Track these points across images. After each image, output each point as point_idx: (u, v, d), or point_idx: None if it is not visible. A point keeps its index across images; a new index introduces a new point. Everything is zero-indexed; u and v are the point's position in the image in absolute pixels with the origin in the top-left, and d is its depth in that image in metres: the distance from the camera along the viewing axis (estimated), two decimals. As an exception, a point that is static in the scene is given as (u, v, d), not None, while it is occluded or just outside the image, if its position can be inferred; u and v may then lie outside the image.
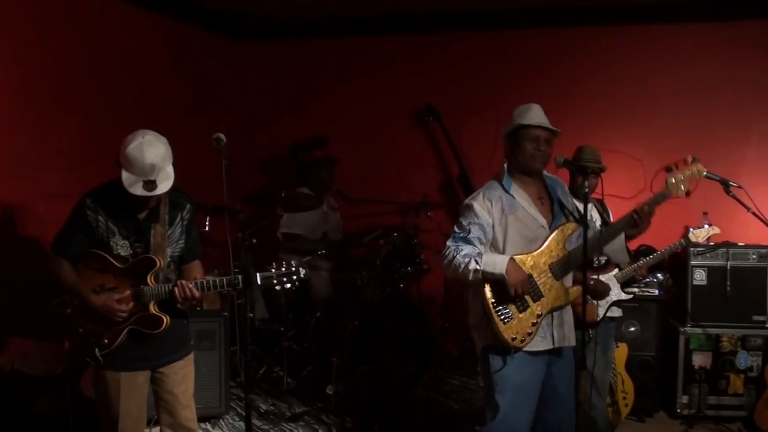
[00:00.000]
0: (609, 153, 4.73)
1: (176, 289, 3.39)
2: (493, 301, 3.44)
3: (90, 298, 3.37)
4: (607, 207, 4.70)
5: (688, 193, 3.46)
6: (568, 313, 3.66)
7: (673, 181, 3.42)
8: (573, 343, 3.65)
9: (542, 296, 3.50)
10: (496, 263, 3.40)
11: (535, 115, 3.55)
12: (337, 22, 7.14)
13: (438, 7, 6.71)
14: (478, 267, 3.39)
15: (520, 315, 3.45)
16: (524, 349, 3.49)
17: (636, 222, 3.48)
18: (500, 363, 3.52)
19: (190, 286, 3.39)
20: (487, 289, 3.45)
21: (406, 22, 6.97)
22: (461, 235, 3.53)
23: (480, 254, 3.45)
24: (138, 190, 3.21)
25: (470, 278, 3.42)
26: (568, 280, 3.62)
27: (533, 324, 3.47)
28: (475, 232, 3.50)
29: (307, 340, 5.90)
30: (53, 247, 3.42)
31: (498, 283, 3.42)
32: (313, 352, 5.88)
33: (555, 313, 3.57)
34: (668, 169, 3.45)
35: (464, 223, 3.55)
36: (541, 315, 3.48)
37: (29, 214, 4.85)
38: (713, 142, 6.28)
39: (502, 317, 3.43)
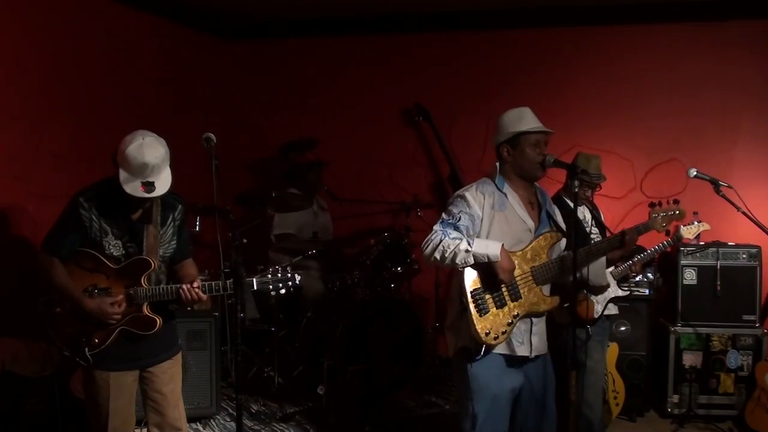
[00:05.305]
0: (599, 153, 4.74)
1: (182, 291, 3.39)
2: (473, 290, 3.41)
3: (83, 302, 3.32)
4: (597, 206, 4.72)
5: (667, 232, 3.82)
6: (542, 324, 3.64)
7: (655, 216, 3.71)
8: (545, 351, 3.64)
9: (520, 297, 3.47)
10: (488, 246, 3.37)
11: (531, 120, 3.54)
12: (328, 22, 7.13)
13: (427, 6, 6.70)
14: (469, 248, 3.34)
15: (497, 311, 3.42)
16: (503, 353, 3.47)
17: (621, 243, 3.67)
18: (477, 370, 3.48)
19: (197, 290, 3.39)
20: (468, 277, 3.41)
21: (396, 22, 6.96)
22: (450, 221, 3.50)
23: (471, 237, 3.43)
24: (136, 191, 3.19)
25: (458, 260, 3.36)
26: (547, 288, 3.61)
27: (508, 324, 3.43)
28: (464, 221, 3.47)
29: (297, 341, 5.89)
30: (45, 246, 3.37)
31: (482, 271, 3.39)
32: (304, 352, 5.87)
33: (534, 320, 3.54)
34: (652, 205, 3.72)
35: (455, 211, 3.52)
36: (517, 316, 3.45)
37: (18, 214, 4.82)
38: (703, 142, 6.31)
39: (479, 308, 3.39)
